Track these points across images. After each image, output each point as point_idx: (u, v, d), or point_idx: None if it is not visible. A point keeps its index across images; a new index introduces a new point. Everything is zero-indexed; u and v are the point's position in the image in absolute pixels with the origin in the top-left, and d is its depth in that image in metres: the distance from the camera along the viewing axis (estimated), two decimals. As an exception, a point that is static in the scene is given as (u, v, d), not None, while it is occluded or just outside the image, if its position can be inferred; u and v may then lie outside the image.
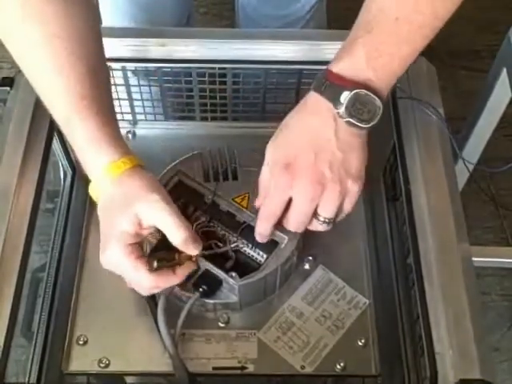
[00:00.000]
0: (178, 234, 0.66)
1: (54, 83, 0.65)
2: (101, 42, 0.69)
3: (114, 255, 0.65)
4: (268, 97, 0.90)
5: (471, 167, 0.85)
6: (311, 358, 0.73)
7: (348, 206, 0.68)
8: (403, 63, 0.64)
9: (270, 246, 0.73)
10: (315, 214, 0.68)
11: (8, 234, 0.69)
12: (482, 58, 1.72)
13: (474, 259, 0.71)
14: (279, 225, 0.71)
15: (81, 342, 0.73)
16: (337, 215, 0.68)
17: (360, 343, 0.74)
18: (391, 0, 0.62)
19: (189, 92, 0.89)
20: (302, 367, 0.72)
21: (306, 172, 0.65)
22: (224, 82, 0.87)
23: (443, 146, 0.78)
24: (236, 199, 0.75)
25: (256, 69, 0.86)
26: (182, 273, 0.69)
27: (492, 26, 1.71)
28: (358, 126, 0.64)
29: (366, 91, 0.63)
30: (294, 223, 0.69)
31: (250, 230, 0.74)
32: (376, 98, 0.63)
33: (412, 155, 0.77)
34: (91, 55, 0.67)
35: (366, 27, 0.63)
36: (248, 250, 0.74)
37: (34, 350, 0.79)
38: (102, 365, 0.72)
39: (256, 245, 0.74)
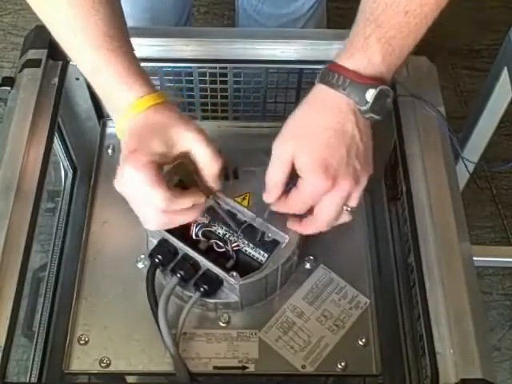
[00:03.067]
0: (213, 164, 0.67)
1: (81, 27, 0.66)
2: None
3: (136, 172, 0.63)
4: (269, 96, 0.90)
5: (472, 166, 0.85)
6: (312, 357, 0.73)
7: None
8: (408, 53, 0.66)
9: (271, 245, 0.73)
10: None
11: (9, 233, 0.69)
12: (482, 58, 1.73)
13: (475, 259, 0.71)
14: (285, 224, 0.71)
15: (82, 342, 0.73)
16: None
17: (361, 343, 0.73)
18: None
19: (190, 91, 0.89)
20: (303, 367, 0.72)
21: (345, 171, 0.65)
22: (225, 82, 0.87)
23: (444, 146, 0.78)
24: (237, 199, 0.75)
25: (257, 68, 0.86)
26: (198, 207, 0.68)
27: (493, 26, 1.71)
28: (375, 118, 0.65)
29: (386, 87, 0.64)
30: (326, 221, 0.69)
31: (250, 229, 0.74)
32: (391, 91, 0.65)
33: (413, 155, 0.77)
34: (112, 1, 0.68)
35: (376, 21, 0.63)
36: (249, 249, 0.74)
37: (35, 349, 0.80)
38: (102, 364, 0.72)
39: (257, 244, 0.74)
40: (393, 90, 0.66)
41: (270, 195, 0.69)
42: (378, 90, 0.64)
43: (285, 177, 0.67)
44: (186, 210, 0.67)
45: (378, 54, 0.64)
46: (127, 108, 0.66)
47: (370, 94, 0.64)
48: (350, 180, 0.65)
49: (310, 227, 0.70)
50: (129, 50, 0.68)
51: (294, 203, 0.68)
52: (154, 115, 0.66)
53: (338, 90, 0.64)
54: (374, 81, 0.64)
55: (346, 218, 0.70)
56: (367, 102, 0.64)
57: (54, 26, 0.68)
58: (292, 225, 0.72)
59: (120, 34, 0.67)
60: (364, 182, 0.67)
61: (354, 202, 0.68)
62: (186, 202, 0.66)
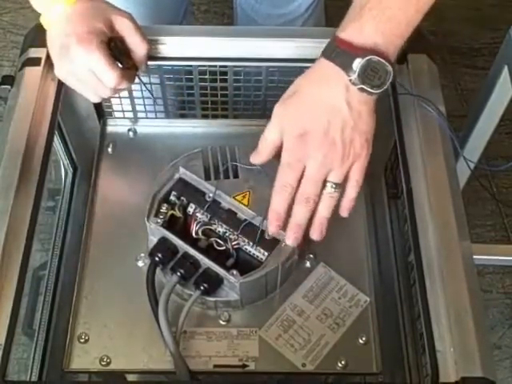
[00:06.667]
0: (144, 44, 0.77)
1: None
2: None
3: (92, 52, 0.71)
4: (269, 94, 0.90)
5: (472, 165, 0.85)
6: (312, 355, 0.73)
7: (355, 173, 0.69)
8: (410, 26, 0.66)
9: (271, 243, 0.73)
10: (324, 186, 0.69)
11: (9, 232, 0.69)
12: (483, 56, 1.73)
13: (476, 257, 0.71)
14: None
15: (82, 340, 0.73)
16: (345, 184, 0.70)
17: (361, 341, 0.73)
18: None
19: (190, 90, 0.89)
20: (303, 365, 0.72)
21: (321, 140, 0.66)
22: (225, 80, 0.87)
23: (444, 144, 0.78)
24: (237, 197, 0.75)
25: (257, 67, 0.86)
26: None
27: (493, 24, 1.71)
28: (369, 91, 0.65)
29: (377, 57, 0.64)
30: (306, 193, 0.69)
31: (250, 227, 0.74)
32: (386, 64, 0.65)
33: (413, 153, 0.77)
34: None
35: None
36: (249, 247, 0.74)
37: (36, 348, 0.80)
38: (103, 363, 0.72)
39: (257, 242, 0.74)
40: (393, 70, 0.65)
41: (258, 155, 0.72)
42: (365, 59, 0.64)
43: (276, 138, 0.69)
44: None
45: (371, 23, 0.64)
46: None
47: (357, 64, 0.64)
48: (325, 149, 0.66)
49: (301, 195, 0.69)
50: None
51: (279, 173, 0.69)
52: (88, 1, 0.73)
53: (331, 61, 0.66)
54: (365, 51, 0.64)
55: (328, 201, 0.69)
56: (354, 72, 0.64)
57: None
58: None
59: None
60: (343, 154, 0.67)
61: (334, 177, 0.68)
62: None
